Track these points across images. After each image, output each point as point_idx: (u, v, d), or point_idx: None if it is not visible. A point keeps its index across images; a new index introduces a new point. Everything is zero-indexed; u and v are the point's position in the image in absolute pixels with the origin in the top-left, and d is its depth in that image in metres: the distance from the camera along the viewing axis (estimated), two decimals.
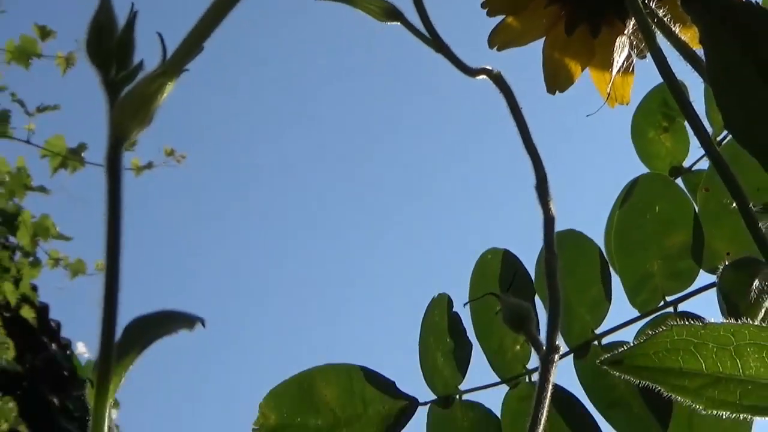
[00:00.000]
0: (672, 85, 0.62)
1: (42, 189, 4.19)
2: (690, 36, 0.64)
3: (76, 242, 4.48)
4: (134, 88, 0.44)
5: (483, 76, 0.68)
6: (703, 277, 0.84)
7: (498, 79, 0.67)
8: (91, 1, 0.46)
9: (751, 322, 0.54)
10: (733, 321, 0.53)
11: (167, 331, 0.43)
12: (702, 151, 1.02)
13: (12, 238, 4.23)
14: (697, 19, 0.54)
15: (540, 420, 0.53)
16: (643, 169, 1.09)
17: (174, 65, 0.44)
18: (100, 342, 0.41)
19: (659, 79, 0.63)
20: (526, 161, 0.63)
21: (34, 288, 4.39)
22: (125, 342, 0.43)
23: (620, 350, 0.53)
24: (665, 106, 1.05)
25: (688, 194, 0.87)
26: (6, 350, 4.12)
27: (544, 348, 0.53)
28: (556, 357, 0.54)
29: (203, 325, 0.44)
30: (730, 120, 0.55)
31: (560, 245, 0.87)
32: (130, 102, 0.43)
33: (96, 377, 0.41)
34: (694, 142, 1.04)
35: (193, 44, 0.45)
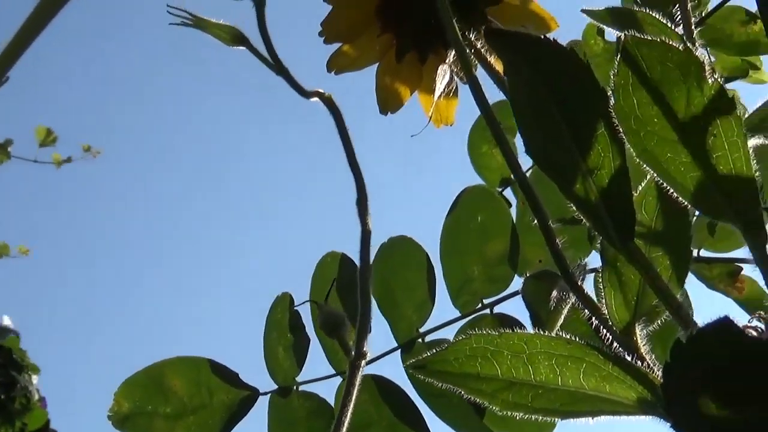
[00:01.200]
0: (485, 110, 0.59)
1: None
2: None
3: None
4: None
5: (316, 98, 0.66)
6: (518, 282, 0.82)
7: (329, 102, 0.65)
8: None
9: (544, 332, 0.52)
10: (526, 331, 0.51)
11: None
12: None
13: None
14: (500, 53, 0.52)
15: (344, 420, 0.50)
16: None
17: None
18: None
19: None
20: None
21: None
22: None
23: (425, 355, 0.51)
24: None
25: (506, 206, 0.85)
26: None
27: (353, 354, 0.50)
28: (363, 362, 0.51)
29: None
30: (530, 145, 0.53)
31: (392, 250, 0.85)
32: None
33: None
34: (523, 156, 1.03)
35: None
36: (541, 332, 0.51)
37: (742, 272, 0.81)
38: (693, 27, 0.68)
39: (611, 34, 1.09)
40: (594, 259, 0.76)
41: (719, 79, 0.47)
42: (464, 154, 1.12)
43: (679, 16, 0.67)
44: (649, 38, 0.47)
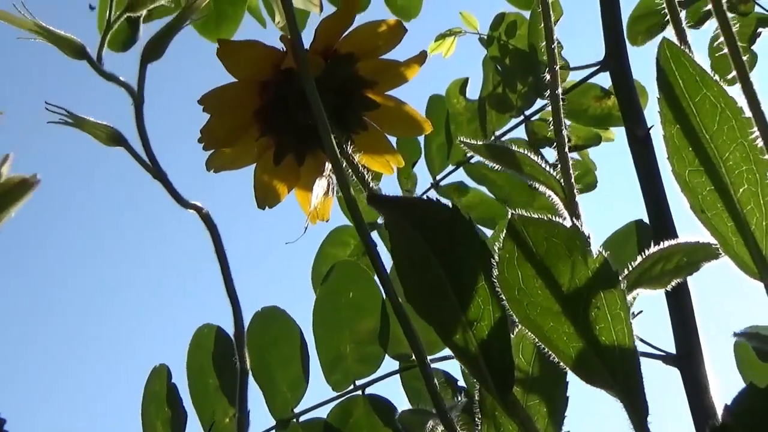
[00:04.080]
0: (350, 205, 0.53)
1: None
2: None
3: None
4: None
5: (193, 211, 0.58)
6: (389, 363, 0.76)
7: (206, 218, 0.58)
8: None
9: None
10: None
11: None
12: None
13: None
14: (383, 212, 0.46)
15: None
16: None
17: None
18: None
19: None
20: None
21: None
22: None
23: None
24: None
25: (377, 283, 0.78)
26: None
27: None
28: None
29: None
30: (410, 294, 0.48)
31: (266, 321, 0.78)
32: None
33: None
34: None
35: None
36: None
37: None
38: (561, 101, 0.62)
39: (474, 92, 1.04)
40: None
41: (603, 254, 0.42)
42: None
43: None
44: (536, 217, 0.41)
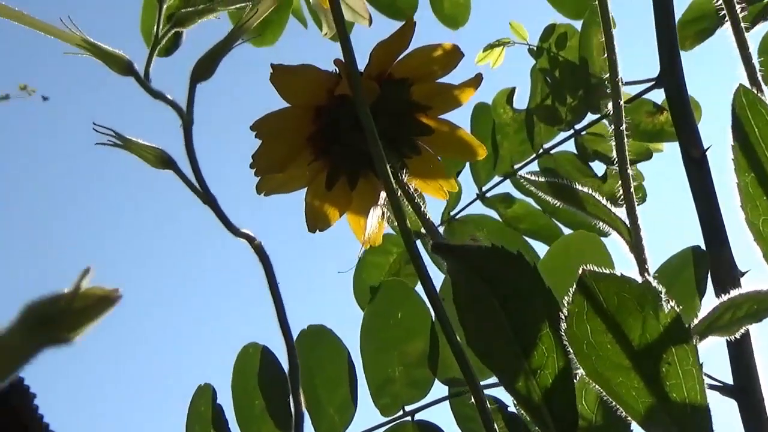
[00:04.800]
0: (406, 237, 0.53)
1: None
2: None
3: None
4: None
5: (244, 240, 0.57)
6: (438, 388, 0.75)
7: (258, 248, 0.57)
8: None
9: None
10: None
11: None
12: None
13: None
14: (445, 258, 0.45)
15: None
16: None
17: None
18: None
19: None
20: None
21: None
22: None
23: None
24: None
25: (426, 304, 0.77)
26: None
27: None
28: None
29: None
30: (471, 339, 0.47)
31: (311, 341, 0.77)
32: None
33: None
34: None
35: None
36: None
37: None
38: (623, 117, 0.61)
39: (521, 102, 1.02)
40: None
41: (675, 308, 0.41)
42: None
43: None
44: (607, 272, 0.40)
